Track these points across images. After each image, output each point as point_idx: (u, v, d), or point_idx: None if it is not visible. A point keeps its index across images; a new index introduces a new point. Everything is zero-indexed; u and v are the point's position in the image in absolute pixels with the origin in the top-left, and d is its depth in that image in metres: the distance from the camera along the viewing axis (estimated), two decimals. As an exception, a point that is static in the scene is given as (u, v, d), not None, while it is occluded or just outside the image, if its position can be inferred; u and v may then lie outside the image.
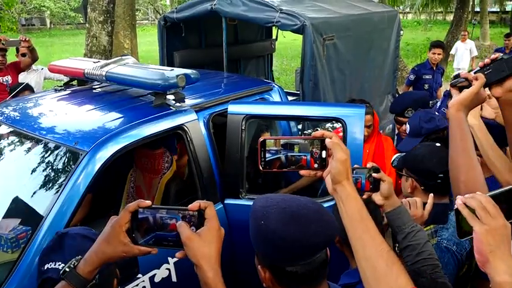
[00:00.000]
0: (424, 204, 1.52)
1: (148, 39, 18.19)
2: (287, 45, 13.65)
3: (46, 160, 2.29)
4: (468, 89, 1.26)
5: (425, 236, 1.29)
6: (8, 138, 2.53)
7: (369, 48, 3.83)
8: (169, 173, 2.72)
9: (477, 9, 20.66)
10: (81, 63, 2.94)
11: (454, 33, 11.27)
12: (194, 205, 0.91)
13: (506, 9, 26.82)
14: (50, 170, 2.25)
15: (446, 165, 1.75)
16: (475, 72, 1.29)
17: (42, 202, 2.09)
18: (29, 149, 2.40)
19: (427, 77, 5.38)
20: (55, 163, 2.25)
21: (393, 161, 2.05)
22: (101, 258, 0.95)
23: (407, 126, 2.47)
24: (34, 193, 2.20)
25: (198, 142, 2.55)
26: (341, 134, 2.40)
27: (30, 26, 25.93)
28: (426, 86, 5.36)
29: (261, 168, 1.12)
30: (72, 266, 0.97)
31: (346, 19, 3.51)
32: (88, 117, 2.42)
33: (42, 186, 2.20)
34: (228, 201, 2.63)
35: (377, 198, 1.28)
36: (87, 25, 4.78)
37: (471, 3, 13.93)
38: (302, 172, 1.11)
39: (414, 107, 2.77)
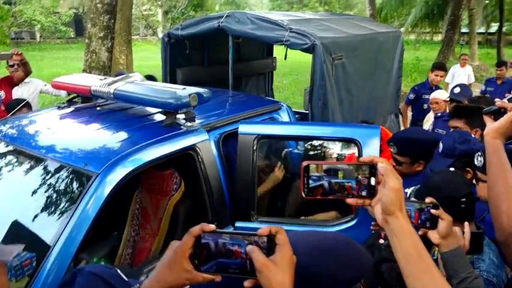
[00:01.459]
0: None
1: (140, 55, 18.14)
2: (279, 63, 13.76)
3: (52, 182, 2.19)
4: (504, 116, 1.25)
5: (482, 284, 1.22)
6: (10, 158, 2.42)
7: (374, 68, 3.83)
8: (177, 195, 2.62)
9: (463, 30, 21.16)
10: (86, 79, 2.86)
11: (445, 53, 11.48)
12: (264, 230, 0.84)
13: (492, 31, 27.54)
14: (57, 193, 2.14)
15: (466, 189, 1.71)
16: (508, 100, 1.28)
17: (49, 228, 1.98)
18: (33, 170, 2.29)
19: (427, 96, 5.39)
20: (62, 185, 2.15)
21: (409, 195, 1.99)
22: (162, 287, 0.88)
23: (441, 145, 2.43)
24: (39, 217, 2.09)
25: (209, 163, 2.47)
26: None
27: (19, 40, 25.68)
28: (425, 106, 5.37)
29: (303, 195, 1.05)
30: None
31: (353, 39, 3.50)
32: (97, 137, 2.33)
33: (48, 210, 2.09)
34: (238, 224, 2.55)
35: (434, 236, 1.21)
36: (86, 40, 4.71)
37: (459, 24, 14.28)
38: (349, 201, 1.03)
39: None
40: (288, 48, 3.19)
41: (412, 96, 5.43)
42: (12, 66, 4.36)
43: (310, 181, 1.04)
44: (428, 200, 1.21)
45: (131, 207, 2.81)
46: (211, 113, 2.76)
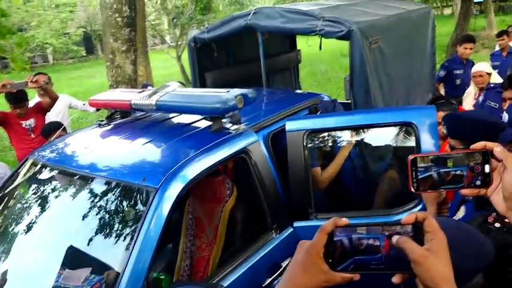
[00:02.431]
0: None
1: (152, 64, 18.28)
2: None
3: (109, 201, 2.14)
4: None
5: None
6: (62, 181, 2.40)
7: (409, 48, 3.70)
8: (231, 201, 2.56)
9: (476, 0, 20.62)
10: (123, 94, 2.82)
11: (463, 26, 11.17)
12: (410, 217, 0.76)
13: (504, -3, 26.79)
14: (116, 213, 2.10)
15: None
16: None
17: (113, 252, 1.94)
18: (88, 191, 2.25)
19: (458, 72, 5.21)
20: (120, 204, 2.11)
21: None
22: None
23: (506, 115, 2.30)
24: (102, 240, 2.05)
25: (262, 165, 2.40)
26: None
27: (33, 64, 26.07)
28: (458, 81, 5.19)
29: (413, 189, 0.96)
30: None
31: (387, 20, 3.38)
32: (148, 151, 2.28)
33: (110, 231, 2.05)
34: (297, 224, 2.47)
35: None
36: (109, 56, 4.69)
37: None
38: (463, 191, 0.94)
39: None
40: (323, 38, 3.08)
41: (442, 73, 5.25)
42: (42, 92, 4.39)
43: (418, 174, 0.95)
44: None
45: (184, 218, 2.75)
46: (255, 113, 2.69)
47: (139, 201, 2.03)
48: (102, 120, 2.94)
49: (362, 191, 2.71)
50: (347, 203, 2.71)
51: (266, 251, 2.27)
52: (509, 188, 0.86)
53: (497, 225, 1.30)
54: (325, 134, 2.55)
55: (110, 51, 4.71)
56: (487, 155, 0.90)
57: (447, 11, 33.61)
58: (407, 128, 2.41)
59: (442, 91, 5.32)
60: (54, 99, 4.34)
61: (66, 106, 4.95)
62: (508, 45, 6.30)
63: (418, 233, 0.75)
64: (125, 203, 2.10)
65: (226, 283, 2.06)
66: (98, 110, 5.25)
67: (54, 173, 2.41)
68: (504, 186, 0.87)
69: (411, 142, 2.45)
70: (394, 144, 2.62)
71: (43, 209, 2.30)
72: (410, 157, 0.94)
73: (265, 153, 2.45)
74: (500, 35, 6.48)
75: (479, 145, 0.91)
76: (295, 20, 3.11)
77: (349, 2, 3.90)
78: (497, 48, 6.83)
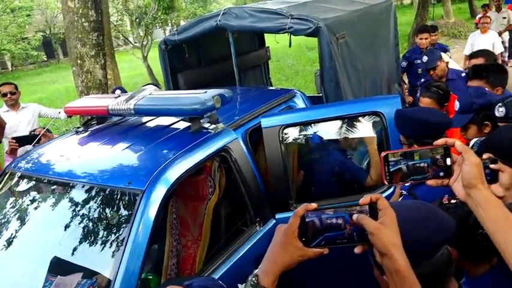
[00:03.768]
0: None
1: (119, 66, 17.95)
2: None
3: (94, 207, 2.17)
4: None
5: None
6: (45, 190, 2.40)
7: (373, 40, 3.86)
8: (214, 198, 2.63)
9: (433, -11, 21.25)
10: (100, 100, 2.83)
11: (422, 15, 11.52)
12: (365, 199, 0.91)
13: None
14: (102, 218, 2.13)
15: None
16: None
17: (104, 257, 1.96)
18: (73, 198, 2.26)
19: (419, 61, 5.41)
20: (107, 209, 2.14)
21: (472, 145, 2.02)
22: (280, 267, 0.95)
23: (457, 102, 2.45)
24: (91, 246, 2.07)
25: (242, 161, 2.48)
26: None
27: (-10, 72, 25.20)
28: (420, 71, 5.38)
29: (386, 182, 1.10)
30: (254, 281, 0.95)
31: (352, 15, 3.52)
32: (130, 154, 2.32)
33: (98, 237, 2.07)
34: (279, 215, 2.57)
35: (497, 190, 1.24)
36: (78, 61, 4.62)
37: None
38: (429, 182, 1.08)
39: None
40: (292, 35, 3.19)
41: (404, 63, 5.43)
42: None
43: (390, 167, 1.08)
44: (485, 156, 1.24)
45: (168, 218, 2.80)
46: (232, 112, 2.77)
47: (126, 205, 2.07)
48: (79, 127, 2.95)
49: (337, 180, 2.85)
50: (325, 192, 2.84)
51: (251, 243, 2.37)
52: (467, 177, 1.01)
53: (453, 201, 1.45)
54: (300, 127, 2.66)
55: (77, 57, 4.65)
56: (448, 149, 1.05)
57: (406, 1, 34.55)
58: (376, 116, 2.56)
59: (407, 81, 5.54)
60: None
61: (35, 115, 4.87)
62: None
63: (373, 211, 0.91)
64: (111, 208, 2.13)
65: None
66: (69, 117, 5.18)
67: (37, 182, 2.41)
68: (463, 175, 1.02)
69: (379, 129, 2.62)
70: (364, 133, 2.77)
71: (30, 219, 2.30)
72: (383, 154, 1.09)
73: (245, 150, 2.53)
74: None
75: (441, 141, 1.07)
76: (264, 19, 3.20)
77: (316, -2, 4.03)
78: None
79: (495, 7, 9.00)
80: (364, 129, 2.69)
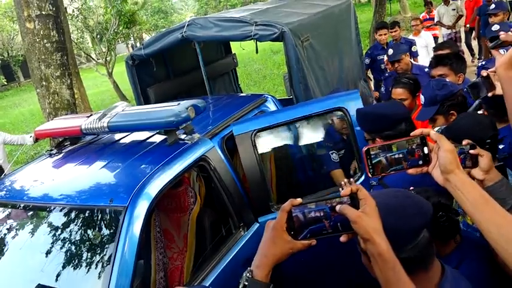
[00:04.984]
0: None
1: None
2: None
3: (77, 228, 2.16)
4: (511, 48, 1.30)
5: None
6: (23, 216, 2.36)
7: (336, 40, 3.97)
8: (196, 207, 2.65)
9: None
10: (71, 121, 2.81)
11: (380, 12, 11.86)
12: (346, 190, 0.97)
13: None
14: (86, 239, 2.11)
15: (492, 130, 1.83)
16: None
17: (92, 279, 1.94)
18: (53, 222, 2.24)
19: (381, 57, 5.58)
20: (89, 229, 2.13)
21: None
22: (272, 260, 1.00)
23: (422, 96, 2.56)
24: (77, 270, 2.04)
25: (221, 169, 2.52)
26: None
27: None
28: (383, 66, 5.57)
29: (370, 175, 1.16)
30: (249, 276, 0.99)
31: (313, 18, 3.61)
32: (108, 172, 2.32)
33: (84, 260, 2.05)
34: (261, 218, 2.62)
35: (478, 173, 1.31)
36: (43, 83, 4.54)
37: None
38: (410, 171, 1.14)
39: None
40: (258, 42, 3.25)
41: (368, 60, 5.60)
42: None
43: (372, 160, 1.14)
44: (465, 142, 1.32)
45: (152, 232, 2.80)
46: (207, 121, 2.80)
47: (109, 223, 2.07)
48: (52, 150, 2.91)
49: (312, 175, 2.93)
50: (303, 188, 2.92)
51: (237, 248, 2.40)
52: (443, 163, 1.08)
53: (411, 188, 1.54)
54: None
55: (41, 78, 4.57)
56: (424, 139, 1.12)
57: (364, -1, 35.43)
58: (340, 112, 2.69)
59: (372, 76, 5.71)
60: None
61: (0, 143, 4.76)
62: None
63: (354, 201, 0.96)
64: (94, 228, 2.12)
65: (205, 286, 2.15)
66: (37, 141, 5.06)
67: (13, 209, 2.36)
68: (440, 161, 1.09)
69: (345, 124, 2.78)
70: (331, 129, 2.87)
71: (10, 248, 2.26)
72: (364, 148, 1.14)
73: (223, 157, 2.57)
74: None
75: (416, 132, 1.13)
76: (229, 28, 3.25)
77: (276, 4, 4.11)
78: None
79: (443, 0, 9.24)
80: (330, 124, 2.81)
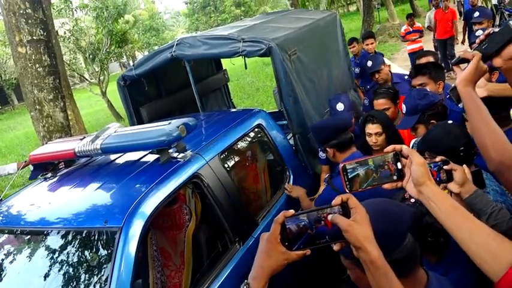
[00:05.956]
0: None
1: (78, 104, 17.68)
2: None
3: (74, 251, 2.18)
4: (469, 65, 1.36)
5: (507, 213, 1.38)
6: (17, 242, 2.38)
7: (324, 52, 4.04)
8: (192, 225, 2.68)
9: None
10: (65, 144, 2.84)
11: (369, 21, 12.08)
12: (337, 200, 1.00)
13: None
14: (83, 261, 2.13)
15: (464, 138, 1.88)
16: (474, 49, 1.40)
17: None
18: (50, 246, 2.26)
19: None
20: (86, 251, 2.15)
21: (412, 146, 2.17)
22: (267, 272, 1.03)
23: (403, 106, 2.63)
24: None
25: (214, 185, 2.55)
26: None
27: None
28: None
29: (347, 191, 1.19)
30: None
31: (300, 32, 3.68)
32: (103, 193, 2.35)
33: (81, 281, 2.07)
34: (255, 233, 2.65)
35: (454, 187, 1.36)
36: (36, 106, 4.58)
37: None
38: (385, 186, 1.19)
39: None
40: (246, 57, 3.32)
41: (357, 70, 5.67)
42: None
43: (348, 175, 1.18)
44: (438, 158, 1.37)
45: (148, 251, 2.81)
46: (199, 138, 2.84)
47: (105, 244, 2.09)
48: (47, 173, 2.94)
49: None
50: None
51: (234, 263, 2.42)
52: (415, 176, 1.13)
53: (412, 200, 1.58)
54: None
55: (35, 102, 4.61)
56: (397, 155, 1.16)
57: (352, 8, 35.91)
58: (258, 129, 3.06)
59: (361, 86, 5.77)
60: None
61: None
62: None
63: (345, 210, 1.00)
64: (90, 249, 2.14)
65: (203, 303, 2.17)
66: (24, 167, 4.99)
67: (10, 234, 2.38)
68: (412, 175, 1.14)
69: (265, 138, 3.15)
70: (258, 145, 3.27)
71: (7, 274, 2.27)
72: (341, 165, 1.18)
73: (215, 174, 2.60)
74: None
75: (389, 148, 1.18)
76: (217, 45, 3.30)
77: (262, 20, 4.18)
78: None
79: (433, 6, 9.32)
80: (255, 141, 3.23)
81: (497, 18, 8.15)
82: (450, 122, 2.04)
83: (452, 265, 1.59)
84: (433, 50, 8.84)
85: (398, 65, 9.75)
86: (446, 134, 1.91)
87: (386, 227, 1.12)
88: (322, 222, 1.00)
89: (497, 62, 1.37)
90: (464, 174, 1.37)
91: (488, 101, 1.46)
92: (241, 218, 2.64)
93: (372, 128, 2.80)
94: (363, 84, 5.70)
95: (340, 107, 3.27)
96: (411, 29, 8.72)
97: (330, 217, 0.98)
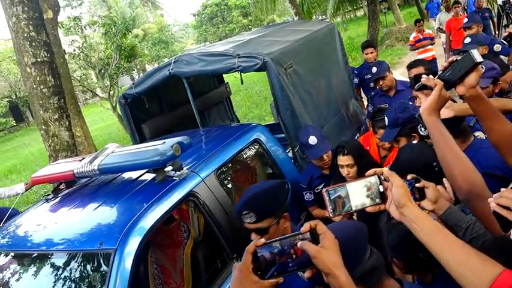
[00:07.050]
0: None
1: (88, 120, 17.94)
2: (227, 83, 14.02)
3: (71, 274, 2.21)
4: (431, 93, 1.35)
5: (482, 226, 1.37)
6: (19, 264, 2.42)
7: (322, 63, 4.04)
8: (190, 242, 2.70)
9: (381, -3, 22.16)
10: (64, 165, 2.89)
11: (374, 26, 12.01)
12: (305, 227, 1.00)
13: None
14: (81, 283, 2.16)
15: (434, 154, 1.87)
16: (437, 77, 1.39)
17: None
18: (47, 269, 2.30)
19: (369, 76, 5.58)
20: (83, 274, 2.18)
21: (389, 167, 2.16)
22: None
23: (386, 118, 2.63)
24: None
25: (210, 202, 2.56)
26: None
27: (-40, 146, 24.72)
28: (372, 84, 5.55)
29: (331, 216, 1.20)
30: None
31: (295, 44, 3.70)
32: (100, 214, 2.38)
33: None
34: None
35: (427, 205, 1.36)
36: (42, 126, 4.68)
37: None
38: (368, 209, 1.19)
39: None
40: (242, 73, 3.35)
41: (357, 80, 5.59)
42: None
43: (330, 196, 1.18)
44: (409, 176, 1.36)
45: (149, 269, 2.84)
46: (196, 155, 2.86)
47: (101, 266, 2.12)
48: (49, 195, 2.99)
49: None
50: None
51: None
52: (396, 198, 1.14)
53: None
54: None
55: (41, 122, 4.71)
56: (379, 178, 1.16)
57: (360, 13, 35.87)
58: (256, 144, 3.09)
59: (363, 94, 5.74)
60: None
61: None
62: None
63: (314, 236, 0.99)
64: (87, 271, 2.17)
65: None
66: (31, 187, 5.07)
67: (12, 257, 2.43)
68: (394, 198, 1.14)
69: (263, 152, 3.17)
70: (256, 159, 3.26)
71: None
72: (323, 190, 1.19)
73: (211, 191, 2.62)
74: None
75: (370, 172, 1.18)
76: (213, 62, 3.34)
77: (258, 34, 4.22)
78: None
79: (444, 8, 9.04)
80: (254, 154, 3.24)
81: (503, 19, 8.03)
82: (414, 142, 2.03)
83: (447, 282, 1.57)
84: (444, 55, 8.74)
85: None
86: (416, 155, 1.90)
87: (347, 247, 1.14)
88: (292, 250, 1.00)
89: (460, 89, 1.36)
90: (436, 191, 1.36)
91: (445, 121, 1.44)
92: (239, 235, 2.64)
93: (343, 160, 2.70)
94: (366, 92, 5.67)
95: (313, 140, 2.98)
96: (421, 37, 8.14)
97: (299, 244, 0.98)
